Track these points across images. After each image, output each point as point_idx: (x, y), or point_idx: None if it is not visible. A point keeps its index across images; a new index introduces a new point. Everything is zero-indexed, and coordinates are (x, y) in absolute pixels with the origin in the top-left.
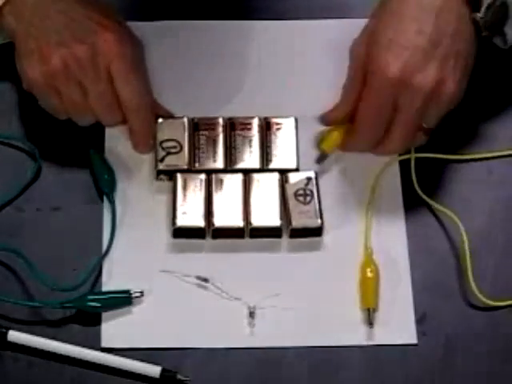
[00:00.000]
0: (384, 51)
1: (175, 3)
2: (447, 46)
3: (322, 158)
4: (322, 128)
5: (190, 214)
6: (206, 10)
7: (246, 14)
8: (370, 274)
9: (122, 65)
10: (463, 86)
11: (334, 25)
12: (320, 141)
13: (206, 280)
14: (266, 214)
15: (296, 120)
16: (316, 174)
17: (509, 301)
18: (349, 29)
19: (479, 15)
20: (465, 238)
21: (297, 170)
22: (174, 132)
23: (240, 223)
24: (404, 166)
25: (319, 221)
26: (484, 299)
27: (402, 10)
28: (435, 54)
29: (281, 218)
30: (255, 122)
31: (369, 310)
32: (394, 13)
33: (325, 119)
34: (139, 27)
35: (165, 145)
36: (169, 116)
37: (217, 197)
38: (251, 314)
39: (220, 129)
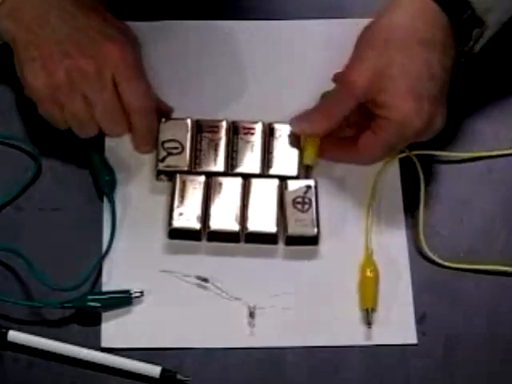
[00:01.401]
0: (404, 101)
1: (175, 3)
2: (436, 85)
3: (308, 172)
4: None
5: (187, 215)
6: (206, 10)
7: (246, 14)
8: (369, 274)
9: (124, 71)
10: (446, 114)
11: (334, 25)
12: (301, 156)
13: (205, 280)
14: (263, 219)
15: None
16: (316, 182)
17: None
18: (349, 29)
19: (466, 49)
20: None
21: (297, 177)
22: (177, 133)
23: (236, 227)
24: (404, 166)
25: (315, 230)
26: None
27: (408, 45)
28: (426, 95)
29: (277, 225)
30: (259, 127)
31: (367, 310)
32: (405, 56)
33: (296, 126)
34: (139, 27)
35: (166, 145)
36: (170, 111)
37: (215, 200)
38: (251, 314)
39: (223, 132)
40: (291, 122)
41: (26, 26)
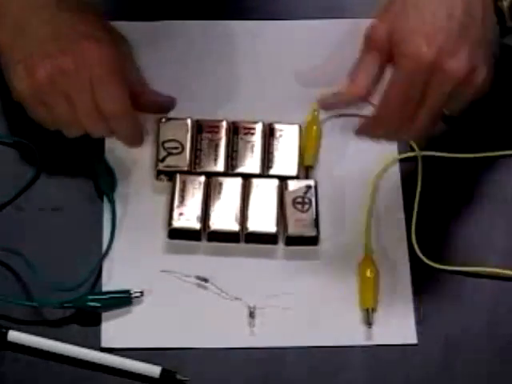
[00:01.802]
0: (416, 34)
1: (175, 3)
2: (477, 33)
3: (308, 172)
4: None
5: (187, 215)
6: (207, 10)
7: (246, 14)
8: (369, 274)
9: (99, 72)
10: (491, 75)
11: (334, 25)
12: (301, 159)
13: (205, 280)
14: (263, 219)
15: (300, 127)
16: (316, 182)
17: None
18: (349, 29)
19: (505, 3)
20: None
21: (297, 177)
22: (177, 133)
23: (236, 227)
24: (405, 166)
25: (315, 230)
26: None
27: None
28: (466, 39)
29: (277, 225)
30: (259, 127)
31: (368, 310)
32: None
33: (332, 98)
34: (139, 27)
35: (166, 145)
36: (171, 103)
37: (215, 200)
38: (251, 314)
39: (223, 132)
40: (335, 97)
41: (9, 29)
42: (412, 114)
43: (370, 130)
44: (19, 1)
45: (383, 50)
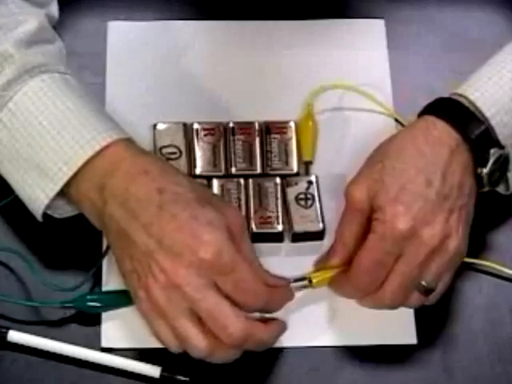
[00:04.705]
0: (393, 201)
1: (175, 3)
2: (453, 199)
3: (308, 168)
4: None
5: None
6: (207, 10)
7: (247, 14)
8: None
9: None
10: (466, 240)
11: (335, 25)
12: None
13: None
14: (267, 219)
15: (296, 124)
16: (317, 177)
17: None
18: (349, 29)
19: (485, 171)
20: None
21: (297, 174)
22: (173, 138)
23: None
24: None
25: (321, 225)
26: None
27: (406, 159)
28: (443, 206)
29: (282, 223)
30: (255, 127)
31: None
32: (399, 161)
33: (319, 265)
34: (139, 27)
35: (164, 151)
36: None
37: None
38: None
39: (220, 134)
40: (316, 264)
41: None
42: (382, 280)
43: (342, 289)
44: None
45: (364, 212)
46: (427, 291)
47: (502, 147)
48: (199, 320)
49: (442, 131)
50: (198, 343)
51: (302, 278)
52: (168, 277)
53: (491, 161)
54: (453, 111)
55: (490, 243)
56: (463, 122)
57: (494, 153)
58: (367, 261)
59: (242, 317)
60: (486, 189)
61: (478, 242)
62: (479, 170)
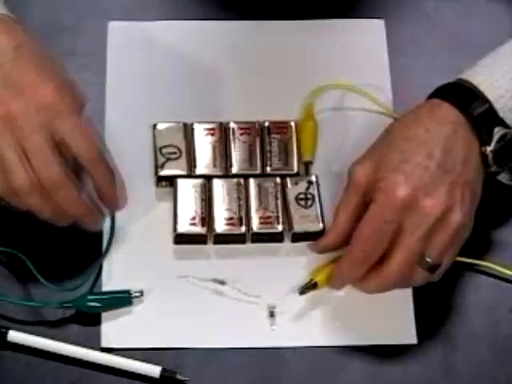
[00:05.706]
0: (394, 171)
1: (176, 3)
2: (456, 174)
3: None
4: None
5: (191, 220)
6: (207, 10)
7: (247, 14)
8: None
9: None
10: (471, 217)
11: (335, 25)
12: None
13: (222, 282)
14: (267, 219)
15: (296, 124)
16: (317, 177)
17: None
18: (350, 29)
19: (489, 148)
20: None
21: (297, 174)
22: (173, 138)
23: (241, 229)
24: None
25: (321, 225)
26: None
27: (410, 134)
28: (445, 179)
29: (282, 223)
30: (255, 127)
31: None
32: (402, 137)
33: (316, 247)
34: (139, 27)
35: (164, 151)
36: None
37: (217, 202)
38: (271, 314)
39: (220, 134)
40: (311, 247)
41: None
42: (382, 253)
43: (342, 270)
44: None
45: (363, 190)
46: (432, 268)
47: (507, 126)
48: (26, 158)
49: (446, 111)
50: (19, 177)
51: (307, 286)
52: (7, 109)
53: (495, 138)
54: (456, 93)
55: (490, 243)
56: (466, 101)
57: (497, 131)
58: (367, 229)
59: (63, 167)
60: (493, 169)
61: (478, 242)
62: (483, 149)
